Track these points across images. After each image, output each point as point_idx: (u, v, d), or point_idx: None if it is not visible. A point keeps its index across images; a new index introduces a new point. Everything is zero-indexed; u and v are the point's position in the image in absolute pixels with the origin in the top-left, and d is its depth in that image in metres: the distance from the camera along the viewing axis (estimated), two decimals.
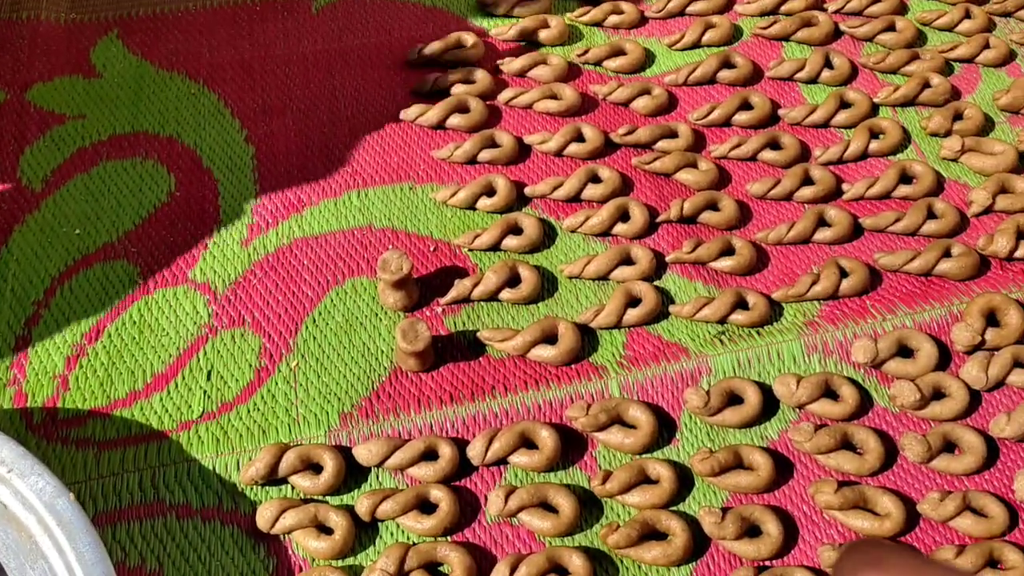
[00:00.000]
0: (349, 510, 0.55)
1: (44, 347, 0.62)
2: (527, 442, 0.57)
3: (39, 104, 0.76)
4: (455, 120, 0.75)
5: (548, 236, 0.69)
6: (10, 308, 0.64)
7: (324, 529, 0.54)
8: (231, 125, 0.76)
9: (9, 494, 0.48)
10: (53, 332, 0.63)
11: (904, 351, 0.61)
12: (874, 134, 0.74)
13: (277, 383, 0.61)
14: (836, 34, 0.83)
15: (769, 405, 0.59)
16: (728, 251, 0.67)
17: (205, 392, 0.60)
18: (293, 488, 0.56)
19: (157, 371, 0.61)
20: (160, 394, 0.60)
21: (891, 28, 0.82)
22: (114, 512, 0.55)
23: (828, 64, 0.79)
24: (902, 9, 0.85)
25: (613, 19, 0.83)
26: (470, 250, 0.68)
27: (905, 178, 0.71)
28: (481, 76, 0.78)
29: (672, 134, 0.74)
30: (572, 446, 0.58)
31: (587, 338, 0.63)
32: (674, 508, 0.55)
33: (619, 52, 0.81)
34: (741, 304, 0.64)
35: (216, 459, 0.57)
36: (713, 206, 0.70)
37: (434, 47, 0.80)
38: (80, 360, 0.62)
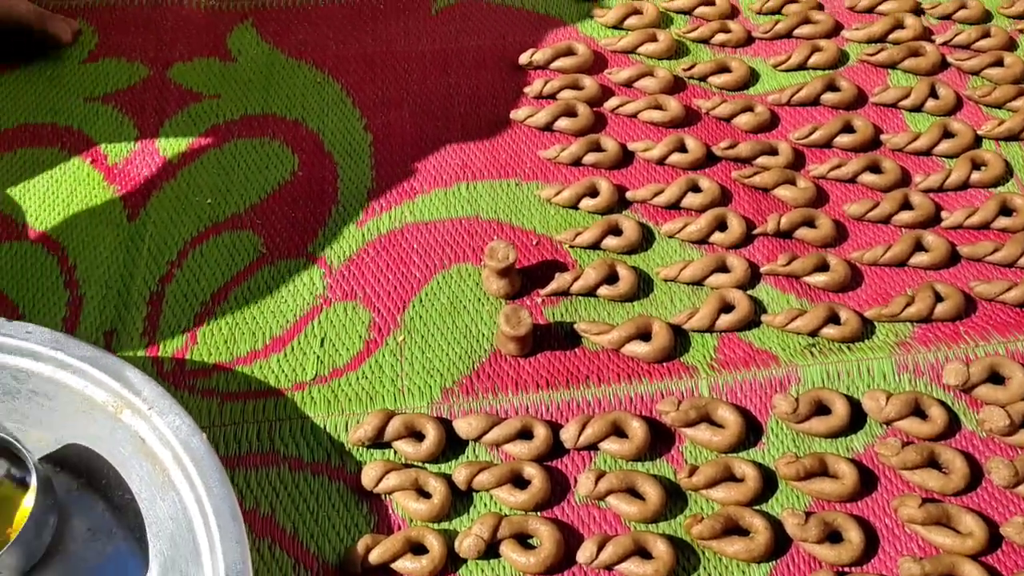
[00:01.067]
0: (447, 478, 0.58)
1: (176, 304, 0.67)
2: (618, 431, 0.60)
3: (179, 82, 0.83)
4: (563, 123, 0.78)
5: (646, 239, 0.72)
6: (147, 266, 0.69)
7: (423, 493, 0.58)
8: (352, 113, 0.81)
9: (148, 429, 0.53)
10: (184, 291, 0.68)
11: (995, 378, 0.62)
12: (976, 165, 0.75)
13: (384, 355, 0.65)
14: (942, 65, 0.84)
15: (856, 419, 0.61)
16: (822, 267, 0.68)
17: (318, 357, 0.65)
18: (396, 452, 0.60)
19: (275, 334, 0.66)
20: (277, 355, 0.65)
21: (999, 63, 0.83)
22: (234, 458, 0.59)
23: (933, 94, 0.80)
24: (1011, 45, 0.85)
25: (720, 37, 0.86)
26: (571, 246, 0.71)
27: (1005, 210, 0.72)
28: (589, 83, 0.81)
29: (772, 151, 0.76)
30: (660, 439, 0.61)
31: (679, 338, 0.66)
32: (757, 507, 0.57)
33: (724, 69, 0.83)
34: (833, 319, 0.65)
35: (327, 419, 0.61)
36: (810, 223, 0.71)
37: (546, 53, 0.83)
38: (207, 318, 0.67)
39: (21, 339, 0.55)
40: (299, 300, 0.68)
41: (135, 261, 0.70)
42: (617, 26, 0.88)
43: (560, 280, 0.68)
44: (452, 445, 0.60)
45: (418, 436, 0.60)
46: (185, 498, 0.51)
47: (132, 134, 0.78)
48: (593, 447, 0.60)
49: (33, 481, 0.54)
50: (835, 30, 0.87)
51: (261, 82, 0.83)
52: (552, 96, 0.81)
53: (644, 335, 0.65)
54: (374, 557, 0.54)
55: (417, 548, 0.55)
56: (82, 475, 0.57)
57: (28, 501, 0.54)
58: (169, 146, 0.77)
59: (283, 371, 0.64)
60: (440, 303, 0.68)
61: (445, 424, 0.61)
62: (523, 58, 0.84)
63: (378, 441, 0.60)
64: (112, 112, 0.80)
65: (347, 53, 0.86)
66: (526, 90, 0.82)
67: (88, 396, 0.54)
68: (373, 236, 0.72)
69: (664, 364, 0.64)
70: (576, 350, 0.65)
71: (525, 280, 0.69)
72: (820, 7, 0.89)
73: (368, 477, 0.58)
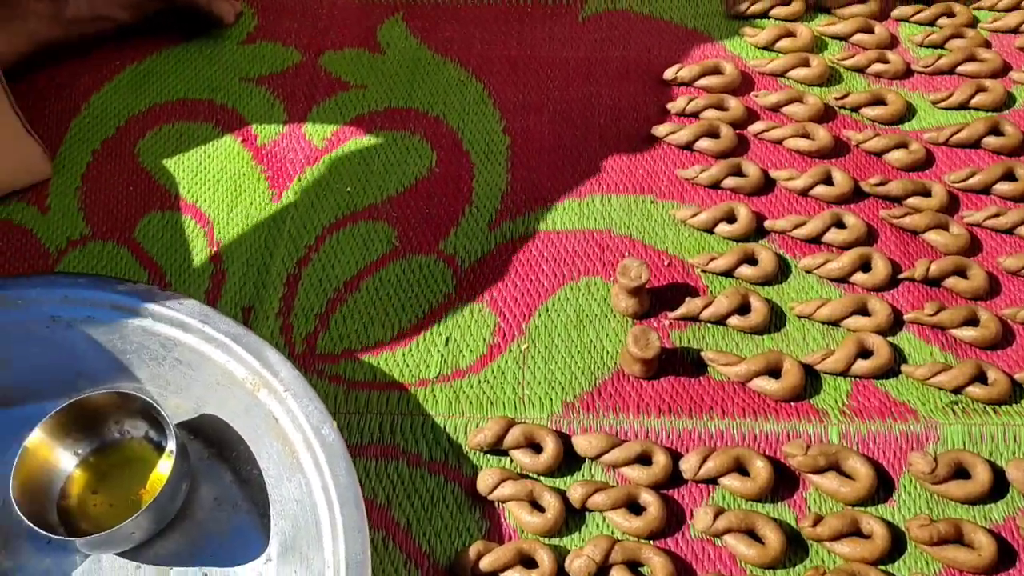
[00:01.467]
0: (561, 493, 0.58)
1: (311, 287, 0.69)
2: (740, 468, 0.58)
3: (329, 70, 0.85)
4: (704, 143, 0.77)
5: (782, 271, 0.69)
6: (286, 248, 0.71)
7: (537, 506, 0.57)
8: (492, 115, 0.81)
9: (282, 411, 0.55)
10: (319, 275, 0.70)
11: None
12: None
13: (507, 361, 0.65)
14: None
15: (998, 487, 0.57)
16: (972, 321, 0.65)
17: (442, 356, 0.65)
18: (512, 461, 0.60)
19: (402, 328, 0.67)
20: (403, 349, 0.66)
21: None
22: (355, 447, 0.60)
23: None
24: None
25: (877, 67, 0.82)
26: (703, 271, 0.69)
27: None
28: (735, 105, 0.79)
29: (925, 192, 0.73)
30: (783, 482, 0.59)
31: (810, 379, 0.63)
32: (883, 568, 0.55)
33: (879, 101, 0.80)
34: (980, 377, 0.62)
35: (447, 419, 0.62)
36: (961, 272, 0.68)
37: (692, 70, 0.82)
38: (339, 306, 0.68)
39: (173, 309, 0.57)
40: (427, 296, 0.69)
41: (276, 241, 0.72)
42: (768, 48, 0.85)
43: (690, 305, 0.67)
44: (569, 460, 0.60)
45: (536, 448, 0.60)
46: (312, 482, 0.52)
47: (282, 117, 0.81)
48: (713, 481, 0.59)
49: (172, 448, 0.56)
50: (1003, 70, 0.82)
51: (406, 76, 0.84)
52: (695, 114, 0.80)
53: (773, 371, 0.63)
54: (485, 564, 0.54)
55: (527, 561, 0.55)
56: (214, 445, 0.59)
57: (164, 466, 0.57)
58: (315, 132, 0.80)
59: (407, 366, 0.65)
60: (566, 315, 0.68)
61: (564, 438, 0.60)
62: (668, 73, 0.83)
63: (496, 448, 0.60)
64: (264, 94, 0.82)
65: (492, 54, 0.86)
66: (669, 106, 0.80)
67: (229, 371, 0.56)
68: (504, 240, 0.72)
69: (792, 404, 0.62)
70: (701, 378, 0.64)
71: (653, 300, 0.68)
72: (987, 45, 0.85)
73: (484, 483, 0.58)
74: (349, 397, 0.63)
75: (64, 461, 0.56)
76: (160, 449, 0.58)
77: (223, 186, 0.75)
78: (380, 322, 0.67)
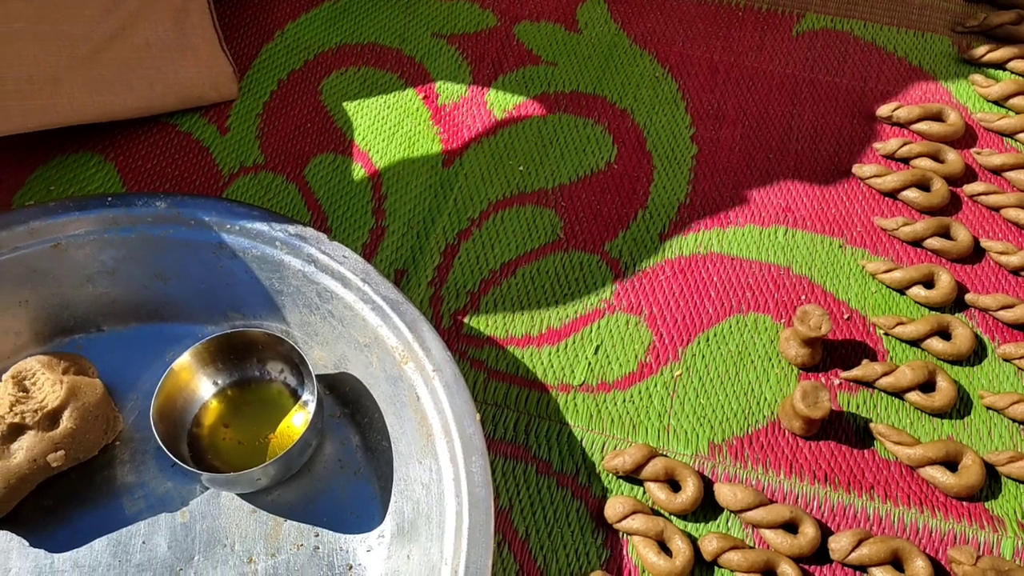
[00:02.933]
0: (693, 540, 0.54)
1: (467, 262, 0.66)
2: (897, 562, 0.53)
3: (521, 40, 0.81)
4: (911, 194, 0.70)
5: (977, 353, 0.63)
6: (449, 217, 0.69)
7: (665, 548, 0.53)
8: (682, 119, 0.76)
9: (426, 391, 0.52)
10: (478, 252, 0.67)
11: None
12: None
13: (657, 385, 0.61)
14: None
15: None
16: None
17: (590, 364, 0.62)
18: (645, 493, 0.56)
19: (553, 325, 0.64)
20: (550, 348, 0.63)
21: None
22: (487, 440, 0.58)
23: None
24: None
25: None
26: (887, 334, 0.63)
27: None
28: (953, 159, 0.72)
29: None
30: None
31: (991, 479, 0.57)
32: None
33: None
34: None
35: (585, 432, 0.58)
36: None
37: (911, 111, 0.75)
38: (492, 288, 0.65)
39: (337, 262, 0.56)
40: (584, 298, 0.65)
41: (440, 208, 0.69)
42: (1000, 102, 0.77)
43: (867, 369, 0.61)
44: (707, 506, 0.56)
45: (675, 485, 0.56)
46: (443, 471, 0.50)
47: (467, 80, 0.78)
48: (863, 569, 0.53)
49: (308, 399, 0.55)
50: None
51: (600, 61, 0.80)
52: (905, 160, 0.73)
53: (950, 463, 0.57)
54: None
55: None
56: (348, 406, 0.57)
57: (297, 417, 0.56)
58: (497, 101, 0.77)
59: (552, 366, 0.62)
60: (728, 349, 0.63)
61: (705, 482, 0.56)
62: (883, 110, 0.76)
63: (632, 475, 0.56)
64: (454, 53, 0.80)
65: (693, 54, 0.81)
66: (877, 146, 0.74)
67: (380, 336, 0.54)
68: (674, 254, 0.68)
69: (966, 504, 0.56)
70: (866, 451, 0.58)
71: (826, 354, 0.62)
72: None
73: (613, 510, 0.54)
74: (488, 386, 0.60)
75: (203, 389, 0.56)
76: (295, 396, 0.57)
77: (397, 140, 0.74)
78: (531, 314, 0.64)
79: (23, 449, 0.50)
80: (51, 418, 0.50)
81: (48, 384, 0.51)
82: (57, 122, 0.64)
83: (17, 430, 0.50)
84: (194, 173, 0.70)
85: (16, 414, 0.50)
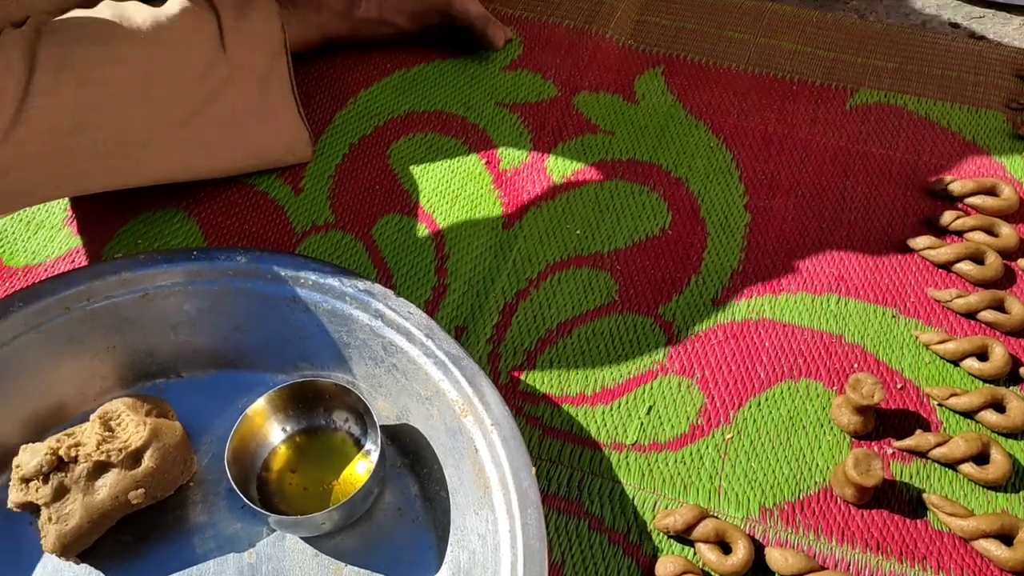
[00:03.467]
0: None
1: (525, 321, 0.69)
2: None
3: (581, 110, 0.85)
4: (965, 267, 0.71)
5: None
6: (508, 277, 0.72)
7: None
8: (736, 188, 0.78)
9: (484, 444, 0.54)
10: (535, 311, 0.70)
11: None
12: None
13: (708, 447, 0.62)
14: None
15: None
16: None
17: (642, 424, 0.63)
18: (696, 554, 0.57)
19: (606, 385, 0.66)
20: (604, 407, 0.64)
21: None
22: (541, 494, 0.59)
23: None
24: None
25: None
26: (941, 405, 0.64)
27: None
28: (1007, 232, 0.72)
29: None
30: None
31: None
32: None
33: None
34: None
35: (637, 491, 0.60)
36: None
37: (965, 185, 0.76)
38: (548, 347, 0.68)
39: (403, 317, 0.59)
40: (637, 359, 0.67)
41: (499, 268, 0.72)
42: None
43: (920, 439, 0.61)
44: (756, 570, 0.56)
45: (725, 547, 0.57)
46: (500, 523, 0.52)
47: (527, 146, 0.82)
48: None
49: (371, 448, 0.58)
50: None
51: (656, 131, 0.83)
52: (959, 233, 0.74)
53: (1005, 536, 0.56)
54: None
55: None
56: (408, 456, 0.60)
57: (360, 466, 0.58)
58: (556, 167, 0.80)
59: (605, 425, 0.63)
60: (779, 414, 0.64)
61: (756, 545, 0.57)
62: (937, 184, 0.77)
63: (683, 535, 0.57)
64: (516, 121, 0.84)
65: (747, 125, 0.84)
66: (930, 218, 0.75)
67: (441, 389, 0.57)
68: (726, 319, 0.69)
69: None
70: (918, 521, 0.58)
71: (879, 422, 0.63)
72: None
73: (664, 570, 0.55)
74: (543, 442, 0.62)
75: (273, 434, 0.59)
76: (359, 445, 0.59)
77: (460, 202, 0.77)
78: (585, 373, 0.66)
79: (107, 486, 0.53)
80: (134, 457, 0.54)
81: (132, 425, 0.54)
82: (148, 180, 0.69)
83: (102, 468, 0.53)
84: (269, 230, 0.75)
85: (102, 452, 0.53)
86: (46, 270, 0.72)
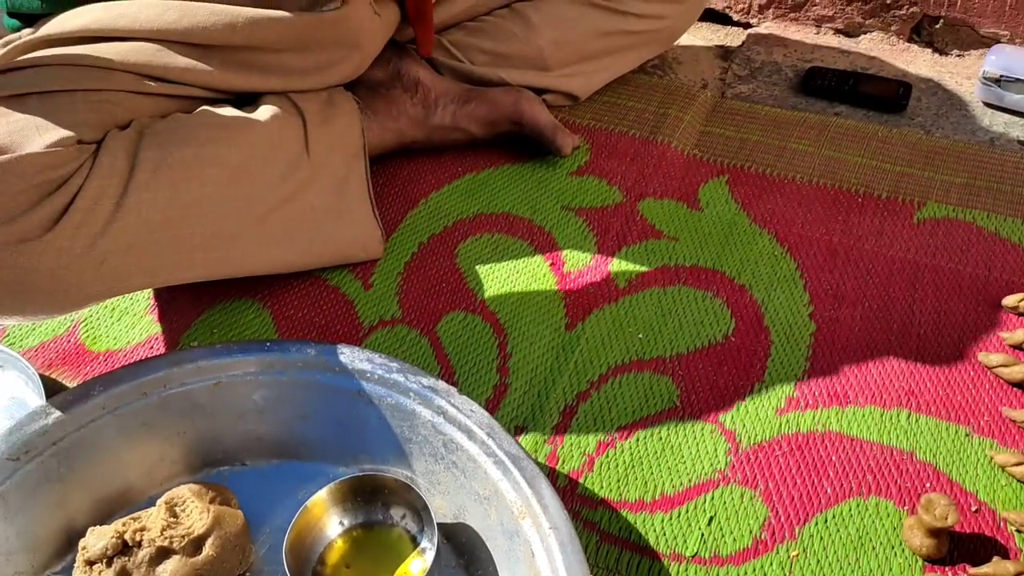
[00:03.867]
0: None
1: (585, 424, 0.69)
2: None
3: (645, 215, 0.87)
4: None
5: None
6: (569, 378, 0.72)
7: None
8: (800, 297, 0.78)
9: (541, 548, 0.54)
10: (595, 414, 0.69)
11: None
12: None
13: (772, 564, 0.60)
14: None
15: None
16: None
17: (702, 535, 0.62)
18: None
19: (667, 492, 0.64)
20: (663, 515, 0.63)
21: None
22: None
23: None
24: None
25: None
26: (1019, 531, 0.61)
27: None
28: None
29: None
30: None
31: None
32: None
33: None
34: None
35: None
36: None
37: None
38: (608, 450, 0.67)
39: (464, 415, 0.59)
40: (698, 467, 0.66)
41: (561, 369, 0.73)
42: None
43: (998, 566, 0.58)
44: None
45: None
46: None
47: (592, 250, 0.83)
48: None
49: (428, 546, 0.57)
50: None
51: (719, 238, 0.84)
52: None
53: None
54: None
55: None
56: (463, 556, 0.59)
57: (415, 564, 0.58)
58: (620, 271, 0.81)
59: (664, 534, 0.62)
60: (847, 532, 0.62)
61: None
62: (1009, 300, 0.75)
63: None
64: (581, 225, 0.86)
65: (812, 235, 0.84)
66: (1003, 335, 0.73)
67: (500, 490, 0.57)
68: (791, 430, 0.68)
69: None
70: None
71: (952, 546, 0.60)
72: None
73: None
74: (601, 550, 0.61)
75: (331, 528, 0.59)
76: (414, 542, 0.59)
77: (525, 303, 0.79)
78: (645, 479, 0.65)
79: (167, 572, 0.54)
80: (196, 544, 0.54)
81: (196, 512, 0.55)
82: (230, 273, 0.72)
83: (164, 553, 0.54)
84: (338, 323, 0.77)
85: (165, 538, 0.54)
86: (125, 356, 0.75)
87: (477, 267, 0.82)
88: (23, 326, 0.79)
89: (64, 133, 0.61)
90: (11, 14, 0.78)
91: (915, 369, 0.72)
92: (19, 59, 0.68)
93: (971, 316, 0.76)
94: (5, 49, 0.72)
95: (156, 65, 0.70)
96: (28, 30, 0.75)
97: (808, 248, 0.83)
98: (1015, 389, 0.70)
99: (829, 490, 0.64)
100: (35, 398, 0.66)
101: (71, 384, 0.72)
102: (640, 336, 0.76)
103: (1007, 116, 0.99)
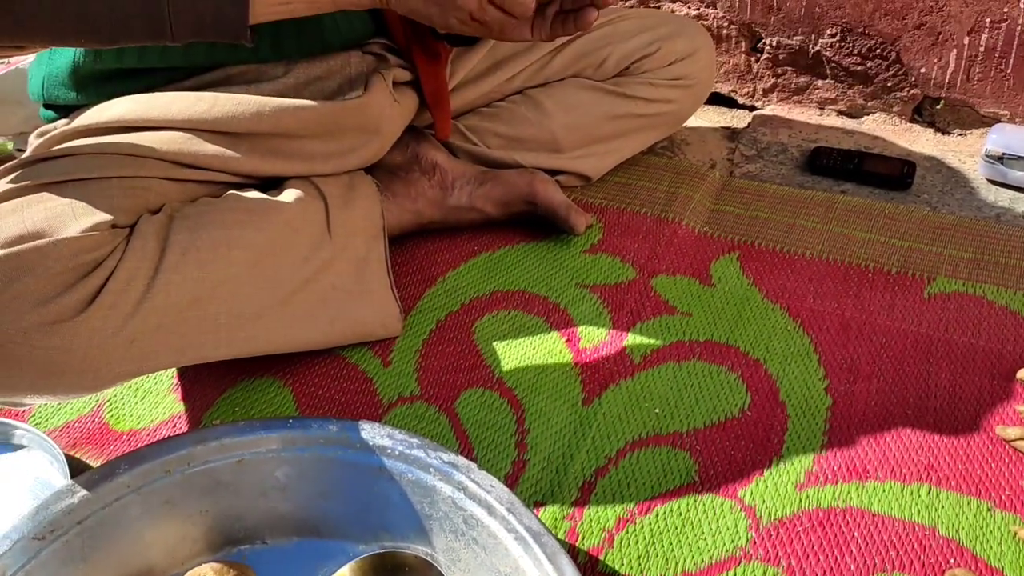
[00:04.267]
0: None
1: (603, 499, 0.69)
2: None
3: (659, 292, 0.88)
4: None
5: None
6: (587, 454, 0.73)
7: None
8: (815, 371, 0.79)
9: None
10: (614, 490, 0.70)
11: None
12: None
13: None
14: None
15: None
16: None
17: None
18: None
19: (687, 569, 0.64)
20: None
21: None
22: None
23: None
24: None
25: None
26: None
27: None
28: None
29: None
30: None
31: None
32: None
33: None
34: None
35: None
36: None
37: None
38: (628, 526, 0.67)
39: (485, 491, 0.60)
40: (719, 543, 0.66)
41: (579, 445, 0.73)
42: None
43: None
44: None
45: None
46: None
47: (607, 326, 0.85)
48: None
49: None
50: None
51: (732, 313, 0.85)
52: None
53: None
54: None
55: None
56: None
57: None
58: (635, 347, 0.82)
59: None
60: None
61: None
62: (1021, 373, 0.76)
63: None
64: (595, 302, 0.87)
65: (824, 310, 0.85)
66: (1019, 408, 0.73)
67: (520, 567, 0.56)
68: (811, 505, 0.68)
69: None
70: None
71: None
72: None
73: None
74: None
75: None
76: None
77: (542, 379, 0.80)
78: (665, 555, 0.65)
79: None
80: None
81: None
82: (254, 351, 0.73)
83: None
84: (358, 400, 0.78)
85: None
86: (148, 435, 0.76)
87: (494, 344, 0.84)
88: (48, 405, 0.80)
89: (100, 218, 0.64)
90: (47, 105, 0.82)
91: (933, 443, 0.72)
92: (56, 148, 0.72)
93: (986, 390, 0.76)
94: (43, 139, 0.76)
95: (187, 152, 0.73)
96: (63, 120, 0.79)
97: (821, 323, 0.84)
98: None
99: (852, 567, 0.63)
100: (60, 478, 0.66)
101: (95, 464, 0.73)
102: (657, 411, 0.76)
103: (1011, 192, 1.02)
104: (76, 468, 0.67)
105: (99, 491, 0.60)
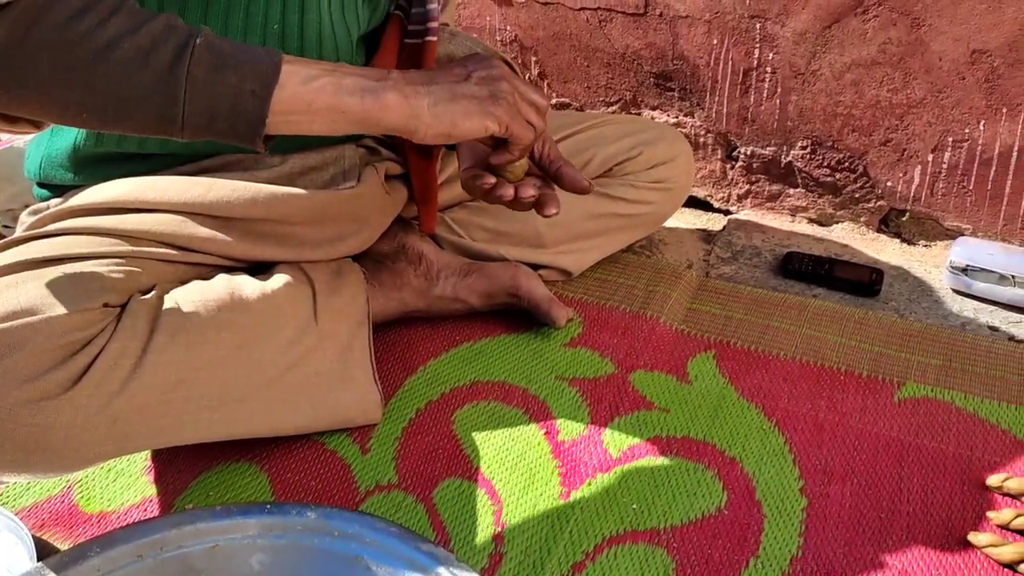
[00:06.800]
0: None
1: None
2: None
3: (636, 387, 0.90)
4: None
5: None
6: (564, 548, 0.72)
7: None
8: (790, 472, 0.80)
9: None
10: None
11: None
12: None
13: None
14: None
15: None
16: None
17: None
18: None
19: None
20: None
21: None
22: None
23: None
24: None
25: None
26: None
27: None
28: None
29: None
30: None
31: None
32: None
33: None
34: None
35: None
36: None
37: (1021, 483, 0.76)
38: None
39: None
40: None
41: (556, 539, 0.73)
42: None
43: None
44: None
45: None
46: None
47: (585, 420, 0.85)
48: None
49: None
50: None
51: (709, 411, 0.87)
52: (1021, 532, 0.73)
53: None
54: None
55: None
56: None
57: None
58: (613, 441, 0.83)
59: None
60: None
61: None
62: (992, 480, 0.77)
63: None
64: (574, 395, 0.88)
65: (798, 410, 0.87)
66: (990, 515, 0.75)
67: None
68: None
69: None
70: None
71: None
72: None
73: None
74: None
75: None
76: None
77: (519, 471, 0.80)
78: None
79: None
80: None
81: None
82: (235, 435, 0.73)
83: None
84: (334, 487, 0.77)
85: None
86: (119, 517, 0.75)
87: (473, 434, 0.84)
88: (17, 484, 0.78)
89: (92, 297, 0.64)
90: (42, 184, 0.84)
91: (907, 548, 0.72)
92: (51, 227, 0.73)
93: (958, 495, 0.77)
94: (36, 217, 0.77)
95: (181, 235, 0.74)
96: (56, 200, 0.81)
97: (795, 423, 0.85)
98: (1004, 568, 0.70)
99: None
100: (26, 560, 0.65)
101: (63, 546, 0.71)
102: (634, 506, 0.76)
103: (975, 302, 1.06)
104: (43, 550, 0.65)
105: (68, 575, 0.58)
